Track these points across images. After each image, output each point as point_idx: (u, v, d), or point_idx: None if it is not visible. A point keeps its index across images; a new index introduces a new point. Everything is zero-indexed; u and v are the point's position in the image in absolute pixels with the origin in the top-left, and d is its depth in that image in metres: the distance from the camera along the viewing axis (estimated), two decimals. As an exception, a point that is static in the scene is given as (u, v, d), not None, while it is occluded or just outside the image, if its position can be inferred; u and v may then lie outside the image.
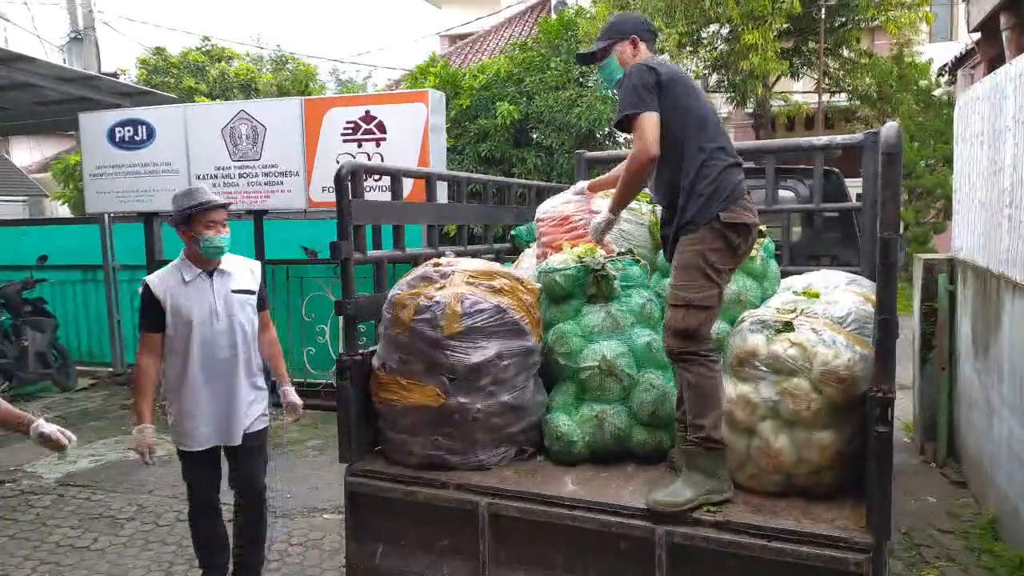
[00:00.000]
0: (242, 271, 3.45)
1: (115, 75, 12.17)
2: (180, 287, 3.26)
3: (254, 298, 3.47)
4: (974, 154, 4.98)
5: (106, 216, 8.03)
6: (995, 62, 7.45)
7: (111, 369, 8.42)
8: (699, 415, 2.65)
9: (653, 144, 2.68)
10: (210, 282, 3.31)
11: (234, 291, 3.36)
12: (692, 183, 2.71)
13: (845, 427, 2.58)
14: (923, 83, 14.79)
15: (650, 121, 2.68)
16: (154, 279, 3.29)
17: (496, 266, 3.29)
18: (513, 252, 4.50)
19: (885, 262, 2.34)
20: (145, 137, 7.03)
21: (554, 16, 14.02)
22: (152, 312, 3.24)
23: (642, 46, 2.94)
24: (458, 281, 3.04)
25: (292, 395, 3.57)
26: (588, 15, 12.41)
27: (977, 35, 8.70)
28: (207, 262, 3.31)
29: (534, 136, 10.63)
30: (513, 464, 3.08)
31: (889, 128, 2.45)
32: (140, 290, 3.28)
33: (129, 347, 8.33)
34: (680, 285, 2.70)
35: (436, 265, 3.19)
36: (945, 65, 13.23)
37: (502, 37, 18.75)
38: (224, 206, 3.32)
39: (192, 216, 3.22)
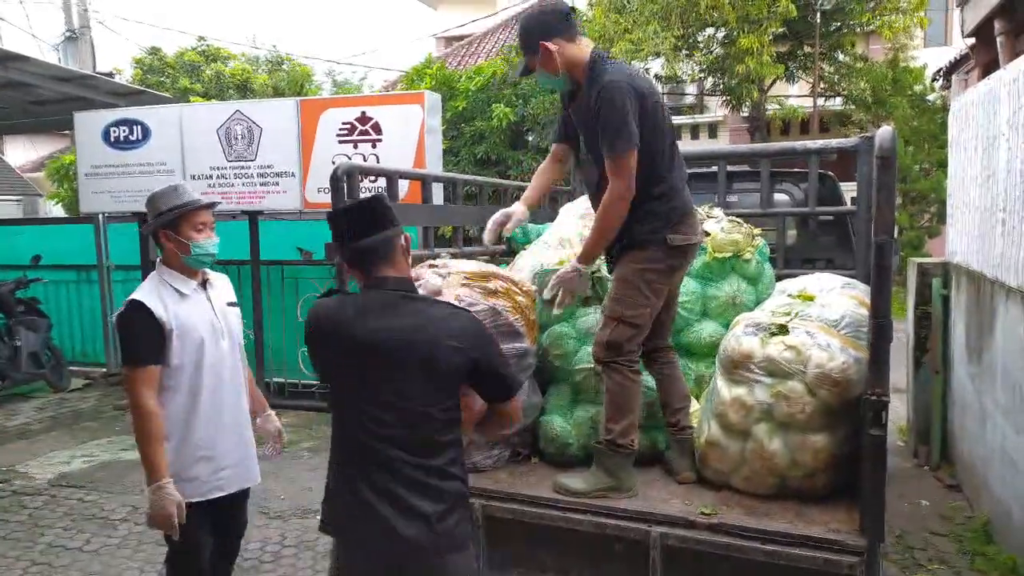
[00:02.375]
0: (220, 281, 2.93)
1: (110, 75, 12.17)
2: (180, 303, 2.66)
3: (239, 311, 2.97)
4: (968, 159, 5.00)
5: (100, 216, 8.01)
6: (989, 67, 7.49)
7: (104, 369, 8.40)
8: (611, 419, 2.76)
9: (633, 182, 2.59)
10: (206, 295, 2.78)
11: (228, 304, 2.89)
12: (644, 203, 2.67)
13: (839, 430, 2.59)
14: (918, 88, 14.85)
15: (634, 158, 2.58)
16: (149, 298, 2.59)
17: (491, 268, 3.29)
18: (508, 254, 4.50)
19: (880, 266, 2.35)
20: (140, 137, 7.01)
21: (550, 19, 14.02)
22: (152, 339, 2.56)
23: (563, 43, 2.67)
24: (453, 283, 3.04)
25: (274, 421, 3.04)
26: (584, 18, 12.43)
27: (971, 40, 8.73)
28: (194, 272, 2.76)
29: (530, 138, 10.64)
30: (507, 466, 3.08)
31: (884, 132, 2.46)
32: (124, 313, 2.58)
33: (123, 347, 8.30)
34: (616, 299, 2.77)
35: (432, 266, 3.18)
36: (940, 70, 13.28)
37: (498, 39, 18.76)
38: (212, 205, 2.82)
39: (179, 217, 2.66)
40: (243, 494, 2.92)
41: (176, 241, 2.67)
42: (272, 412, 3.05)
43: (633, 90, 2.57)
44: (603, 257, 2.92)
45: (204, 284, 2.79)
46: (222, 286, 2.91)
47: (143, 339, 2.55)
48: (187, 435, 2.66)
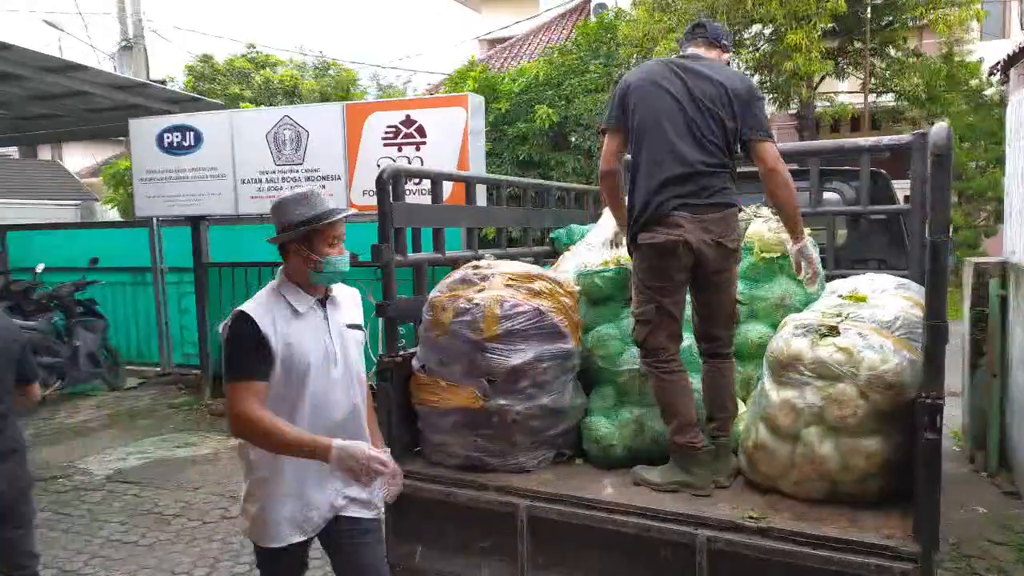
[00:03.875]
0: (346, 297, 2.53)
1: (163, 82, 12.50)
2: (291, 321, 2.31)
3: (363, 336, 2.55)
4: (1028, 155, 4.84)
5: (154, 220, 8.24)
6: (1050, 60, 7.23)
7: (159, 369, 8.62)
8: (663, 420, 2.90)
9: (603, 159, 2.97)
10: (323, 313, 2.40)
11: (348, 326, 2.47)
12: (630, 202, 2.89)
13: (892, 434, 2.53)
14: (973, 83, 14.40)
15: (606, 137, 2.96)
16: (256, 309, 2.28)
17: (535, 269, 3.29)
18: (552, 255, 4.50)
19: (934, 266, 2.29)
20: (193, 143, 7.19)
21: (593, 19, 13.99)
22: (257, 353, 2.24)
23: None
24: (497, 284, 3.06)
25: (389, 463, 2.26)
26: (628, 18, 12.34)
27: (1031, 32, 8.43)
28: (317, 288, 2.40)
29: (572, 139, 10.61)
30: (552, 467, 3.08)
31: (938, 129, 2.39)
32: (230, 324, 2.28)
33: (176, 347, 8.53)
34: (631, 298, 3.00)
35: (475, 268, 3.20)
36: (997, 64, 12.85)
37: (541, 41, 18.76)
38: (348, 216, 2.43)
39: (314, 230, 2.31)
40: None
41: (306, 257, 2.32)
42: (384, 450, 2.32)
43: (624, 81, 2.93)
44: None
45: (324, 301, 2.42)
46: (347, 304, 2.51)
47: (246, 353, 2.25)
48: (277, 473, 2.32)
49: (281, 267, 2.39)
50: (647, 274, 2.83)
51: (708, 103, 2.77)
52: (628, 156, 2.96)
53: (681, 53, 2.99)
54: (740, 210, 2.99)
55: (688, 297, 2.92)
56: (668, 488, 2.78)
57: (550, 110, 10.17)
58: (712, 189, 2.76)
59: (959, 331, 5.30)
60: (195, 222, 7.49)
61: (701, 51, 2.94)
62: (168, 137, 7.28)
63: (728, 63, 3.05)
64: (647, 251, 2.79)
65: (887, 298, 2.84)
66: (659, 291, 2.81)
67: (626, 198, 2.92)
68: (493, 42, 21.99)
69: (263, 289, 2.39)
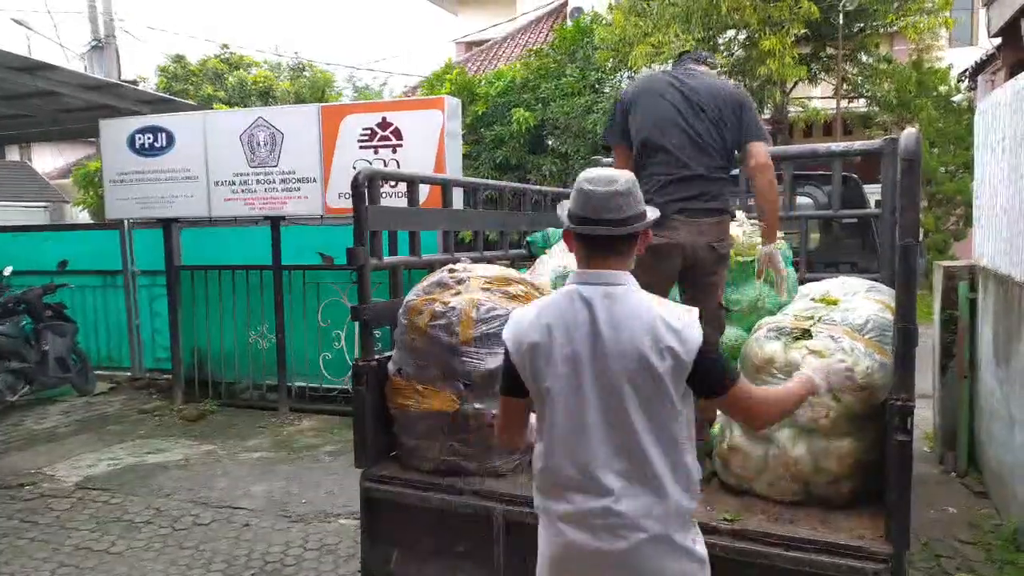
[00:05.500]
0: None
1: (135, 83, 12.35)
2: None
3: None
4: (995, 160, 4.93)
5: (126, 222, 8.12)
6: (1016, 67, 7.38)
7: (130, 373, 8.49)
8: None
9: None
10: None
11: None
12: None
13: (864, 436, 2.56)
14: (943, 89, 14.64)
15: (613, 152, 3.17)
16: None
17: (512, 272, 3.29)
18: (528, 258, 4.50)
19: (905, 269, 2.32)
20: (165, 144, 7.10)
21: (570, 23, 14.04)
22: None
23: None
24: (473, 287, 3.05)
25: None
26: (604, 22, 12.40)
27: (998, 40, 8.61)
28: None
29: (550, 143, 10.65)
30: (528, 471, 3.07)
31: (908, 134, 2.43)
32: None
33: (147, 352, 8.41)
34: None
35: (452, 271, 3.19)
36: (965, 70, 13.10)
37: (518, 44, 18.79)
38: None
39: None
40: None
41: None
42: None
43: (624, 95, 3.10)
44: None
45: None
46: None
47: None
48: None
49: (629, 257, 1.99)
50: (639, 273, 2.84)
51: (706, 110, 2.88)
52: None
53: (673, 71, 3.10)
54: (733, 216, 3.04)
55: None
56: None
57: (527, 113, 10.20)
58: (709, 194, 2.84)
59: (930, 333, 5.38)
60: (167, 224, 7.39)
61: (692, 66, 3.06)
62: (140, 138, 7.18)
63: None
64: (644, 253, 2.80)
65: (859, 301, 2.87)
66: (648, 290, 2.84)
67: None
68: (470, 45, 21.98)
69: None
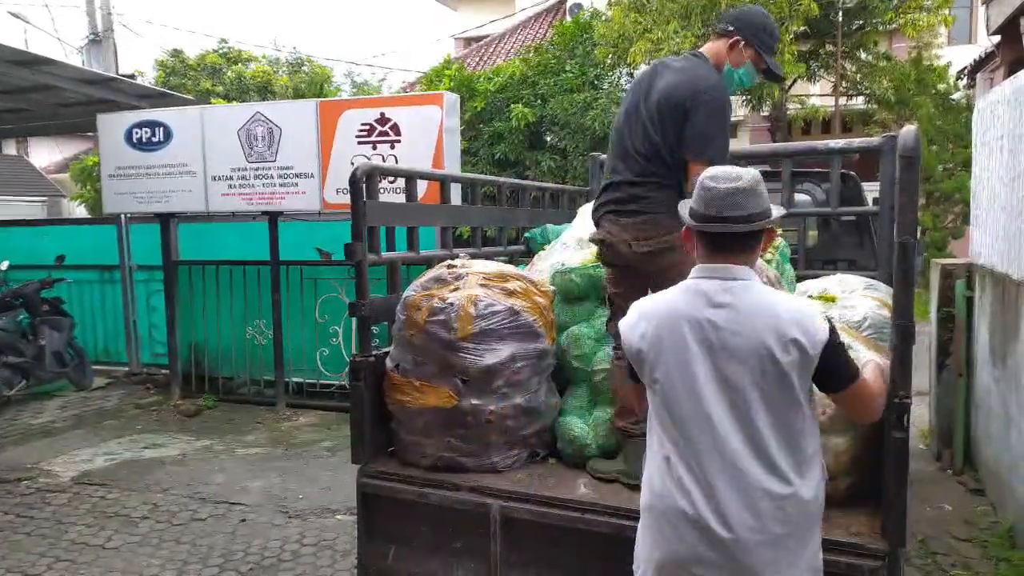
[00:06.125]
0: None
1: (133, 77, 12.30)
2: None
3: None
4: (994, 158, 4.93)
5: (123, 217, 8.10)
6: (1015, 65, 7.38)
7: (127, 368, 8.49)
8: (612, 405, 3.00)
9: None
10: None
11: None
12: None
13: (861, 433, 2.56)
14: (942, 86, 14.66)
15: None
16: None
17: (510, 268, 3.29)
18: (527, 254, 4.50)
19: (903, 267, 2.32)
20: (162, 138, 7.09)
21: (569, 19, 14.02)
22: None
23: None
24: (472, 283, 3.04)
25: None
26: (603, 18, 12.38)
27: (997, 38, 8.61)
28: None
29: (548, 139, 10.64)
30: (526, 467, 3.07)
31: (907, 132, 2.42)
32: (832, 327, 1.89)
33: (145, 347, 8.40)
34: None
35: (450, 267, 3.19)
36: (964, 68, 13.11)
37: (517, 40, 18.77)
38: None
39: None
40: None
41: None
42: None
43: None
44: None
45: None
46: None
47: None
48: None
49: (752, 254, 1.97)
50: (617, 280, 2.97)
51: (645, 113, 2.78)
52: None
53: (668, 59, 2.98)
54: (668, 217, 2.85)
55: None
56: (608, 477, 2.85)
57: (526, 109, 10.18)
58: (634, 197, 2.81)
59: (927, 331, 5.39)
60: (165, 219, 7.38)
61: (704, 47, 2.89)
62: (137, 133, 7.16)
63: (733, 47, 2.80)
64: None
65: (856, 298, 2.88)
66: (608, 281, 3.01)
67: None
68: (469, 40, 21.96)
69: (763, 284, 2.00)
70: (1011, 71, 6.92)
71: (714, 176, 1.91)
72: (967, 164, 10.89)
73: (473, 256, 3.59)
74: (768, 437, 1.82)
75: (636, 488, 2.43)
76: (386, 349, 3.28)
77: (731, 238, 1.89)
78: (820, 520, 1.92)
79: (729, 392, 1.83)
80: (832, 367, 1.83)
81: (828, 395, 1.91)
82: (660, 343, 1.90)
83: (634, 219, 2.80)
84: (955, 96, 14.72)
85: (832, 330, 1.85)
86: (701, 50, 2.88)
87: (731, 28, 2.79)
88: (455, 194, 5.63)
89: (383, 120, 6.37)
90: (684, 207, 1.99)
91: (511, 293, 3.04)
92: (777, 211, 1.95)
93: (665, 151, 2.73)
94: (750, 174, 1.90)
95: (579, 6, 15.72)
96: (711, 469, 1.83)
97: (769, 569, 1.83)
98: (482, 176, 7.10)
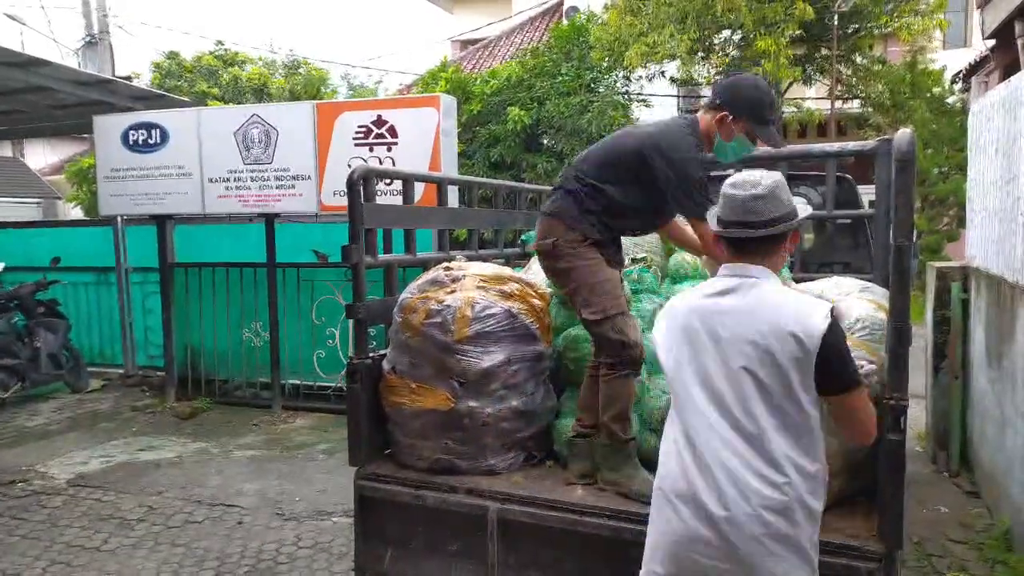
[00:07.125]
0: None
1: (129, 79, 12.30)
2: None
3: None
4: (989, 162, 4.95)
5: (119, 219, 8.08)
6: (1010, 69, 7.42)
7: (122, 371, 8.46)
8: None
9: None
10: None
11: None
12: None
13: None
14: (936, 90, 14.70)
15: None
16: None
17: (507, 271, 3.29)
18: (523, 257, 4.50)
19: (898, 269, 2.33)
20: (158, 140, 7.07)
21: (565, 22, 14.04)
22: None
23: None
24: (469, 285, 3.05)
25: None
26: (599, 21, 12.41)
27: (992, 42, 8.66)
28: None
29: (545, 141, 10.65)
30: (523, 469, 3.07)
31: (902, 135, 2.44)
32: (833, 322, 1.89)
33: (140, 349, 8.38)
34: None
35: (447, 269, 3.19)
36: (959, 72, 13.17)
37: (513, 43, 18.79)
38: None
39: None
40: None
41: (784, 254, 2.11)
42: None
43: None
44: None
45: None
46: None
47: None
48: None
49: (773, 255, 2.03)
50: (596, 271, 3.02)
51: (612, 142, 2.95)
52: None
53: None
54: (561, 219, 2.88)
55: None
56: (583, 482, 2.90)
57: (522, 112, 10.20)
58: (552, 199, 2.98)
59: (922, 334, 5.40)
60: (161, 221, 7.36)
61: (698, 113, 2.84)
62: (133, 134, 7.15)
63: (722, 121, 2.69)
64: None
65: (852, 301, 2.88)
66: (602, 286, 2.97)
67: None
68: (465, 43, 21.97)
69: (780, 283, 2.04)
70: (1005, 75, 6.96)
71: (735, 183, 2.01)
72: (962, 167, 10.93)
73: (470, 258, 3.60)
74: (766, 427, 1.87)
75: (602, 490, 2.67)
76: (383, 351, 3.28)
77: (751, 241, 1.99)
78: (817, 515, 1.94)
79: (731, 381, 1.90)
80: (829, 366, 1.86)
81: (824, 398, 1.92)
82: (676, 335, 2.02)
83: (540, 219, 3.00)
84: (950, 100, 14.77)
85: (832, 328, 1.87)
86: (696, 115, 2.82)
87: (718, 102, 2.69)
88: (452, 196, 5.63)
89: (380, 122, 6.37)
90: (712, 215, 2.10)
91: (508, 295, 3.04)
92: (804, 210, 2.04)
93: (602, 174, 2.85)
94: (770, 179, 1.98)
95: (575, 9, 15.75)
96: (710, 453, 1.90)
97: (767, 559, 1.87)
98: (478, 179, 7.10)
